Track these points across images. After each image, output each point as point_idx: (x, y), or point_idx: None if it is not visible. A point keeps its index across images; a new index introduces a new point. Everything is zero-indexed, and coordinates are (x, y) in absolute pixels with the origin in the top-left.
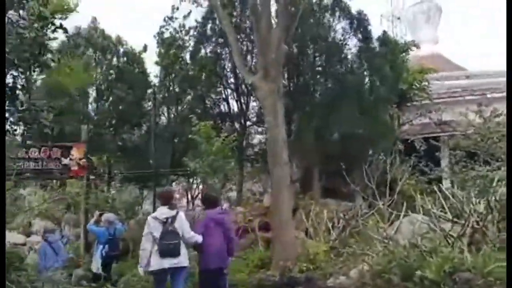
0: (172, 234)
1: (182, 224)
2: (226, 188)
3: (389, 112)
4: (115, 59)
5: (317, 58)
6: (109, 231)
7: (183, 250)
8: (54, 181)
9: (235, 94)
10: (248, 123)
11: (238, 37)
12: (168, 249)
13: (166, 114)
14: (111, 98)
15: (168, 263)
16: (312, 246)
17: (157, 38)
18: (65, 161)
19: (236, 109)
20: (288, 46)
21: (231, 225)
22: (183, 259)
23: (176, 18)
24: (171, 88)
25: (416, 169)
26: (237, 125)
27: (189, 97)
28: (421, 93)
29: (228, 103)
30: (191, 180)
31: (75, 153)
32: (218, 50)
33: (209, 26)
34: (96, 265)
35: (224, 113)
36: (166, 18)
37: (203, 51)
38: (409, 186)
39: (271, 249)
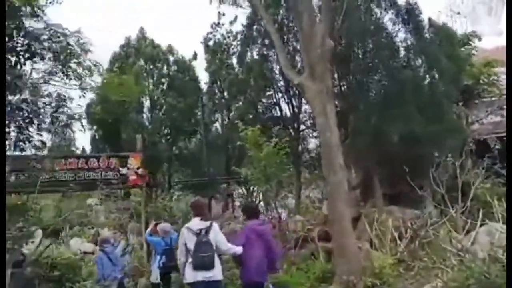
0: (206, 246)
1: (216, 236)
2: (280, 195)
3: (454, 109)
4: (165, 68)
5: (367, 54)
6: (165, 241)
7: (217, 263)
8: (119, 190)
9: (286, 97)
10: (302, 126)
11: (285, 37)
12: (202, 261)
13: (219, 120)
14: (164, 107)
15: (201, 276)
16: (377, 258)
17: (204, 44)
18: (123, 170)
19: (288, 113)
20: (334, 42)
21: (272, 238)
22: (217, 272)
23: (223, 24)
24: (220, 95)
25: (491, 171)
26: (290, 130)
27: (240, 103)
28: (491, 88)
29: (280, 107)
30: (251, 188)
31: (132, 162)
32: (265, 52)
33: (255, 27)
34: (154, 276)
35: (276, 118)
36: (213, 25)
37: (249, 54)
38: (484, 190)
39: (333, 261)
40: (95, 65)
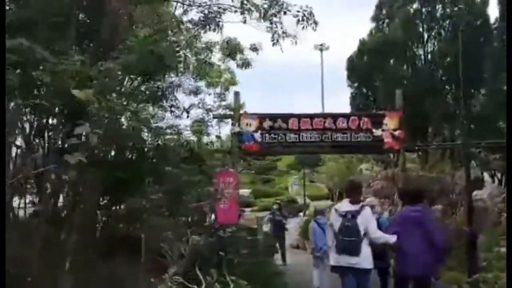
0: (350, 230)
1: (366, 221)
2: None
3: None
4: (445, 8)
5: None
6: None
7: (365, 250)
8: (392, 155)
9: None
10: None
11: None
12: (343, 245)
13: None
14: (439, 55)
15: (344, 261)
16: None
17: None
18: (377, 132)
19: None
20: None
21: (434, 226)
22: (363, 260)
23: None
24: None
25: None
26: None
27: None
28: None
29: None
30: None
31: (388, 122)
32: None
33: None
34: None
35: None
36: None
37: None
38: None
39: None
40: None
